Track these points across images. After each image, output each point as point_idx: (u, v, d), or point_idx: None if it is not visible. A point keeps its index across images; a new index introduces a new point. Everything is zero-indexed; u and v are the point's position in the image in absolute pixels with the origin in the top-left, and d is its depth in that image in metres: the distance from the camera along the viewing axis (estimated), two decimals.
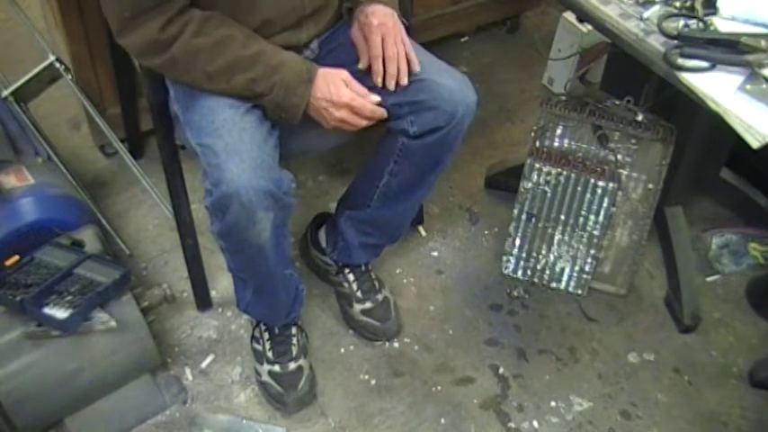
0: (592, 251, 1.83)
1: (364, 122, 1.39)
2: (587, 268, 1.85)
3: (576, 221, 1.82)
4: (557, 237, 1.84)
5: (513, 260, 1.88)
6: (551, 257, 1.86)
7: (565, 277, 1.87)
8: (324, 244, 1.82)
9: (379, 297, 1.79)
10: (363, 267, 1.80)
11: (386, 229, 1.72)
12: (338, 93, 1.34)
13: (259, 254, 1.41)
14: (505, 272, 1.89)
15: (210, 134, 1.33)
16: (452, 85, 1.45)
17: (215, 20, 1.30)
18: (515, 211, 1.85)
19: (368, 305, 1.77)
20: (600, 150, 1.77)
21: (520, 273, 1.89)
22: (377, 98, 1.39)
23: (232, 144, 1.31)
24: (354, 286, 1.78)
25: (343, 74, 1.37)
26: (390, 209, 1.64)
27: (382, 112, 1.41)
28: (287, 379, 1.63)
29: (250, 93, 1.33)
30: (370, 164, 1.62)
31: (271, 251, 1.41)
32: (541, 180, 1.80)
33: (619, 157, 1.77)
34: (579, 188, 1.79)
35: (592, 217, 1.80)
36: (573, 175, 1.78)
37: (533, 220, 1.84)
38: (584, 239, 1.82)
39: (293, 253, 1.89)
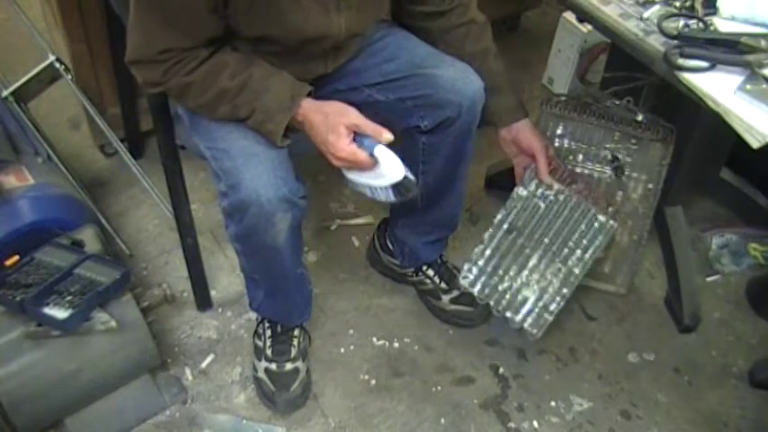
0: (564, 290, 1.63)
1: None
2: (552, 307, 1.63)
3: (559, 250, 1.64)
4: (532, 261, 1.64)
5: (475, 271, 1.64)
6: (518, 282, 1.64)
7: (524, 309, 1.63)
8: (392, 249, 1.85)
9: None
10: (439, 260, 1.82)
11: (441, 222, 1.74)
12: (336, 145, 1.26)
13: (275, 255, 1.43)
14: (463, 281, 1.64)
15: (223, 138, 1.33)
16: (453, 75, 1.44)
17: (214, 54, 1.29)
18: (498, 217, 1.65)
19: (455, 293, 1.80)
20: (600, 151, 1.77)
21: (477, 288, 1.64)
22: (389, 136, 1.28)
23: (248, 147, 1.31)
24: (437, 279, 1.81)
25: (350, 117, 1.28)
26: (437, 206, 1.66)
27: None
28: (281, 379, 1.63)
29: (234, 118, 1.31)
30: None
31: (286, 252, 1.43)
32: (539, 192, 1.64)
33: (619, 157, 1.77)
34: (576, 214, 1.65)
35: (578, 252, 1.64)
36: (574, 199, 1.64)
37: (513, 233, 1.64)
38: (561, 274, 1.63)
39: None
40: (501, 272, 1.64)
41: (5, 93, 1.76)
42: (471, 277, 1.64)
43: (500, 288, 1.63)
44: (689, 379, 1.76)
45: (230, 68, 1.28)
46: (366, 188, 1.34)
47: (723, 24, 1.32)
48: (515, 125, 1.55)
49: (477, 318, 1.81)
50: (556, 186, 1.64)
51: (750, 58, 1.23)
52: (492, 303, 1.63)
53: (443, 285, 1.81)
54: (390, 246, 1.84)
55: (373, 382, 1.71)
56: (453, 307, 1.81)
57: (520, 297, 1.63)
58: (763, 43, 1.23)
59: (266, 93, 1.28)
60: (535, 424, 1.66)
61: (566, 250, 1.64)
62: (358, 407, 1.67)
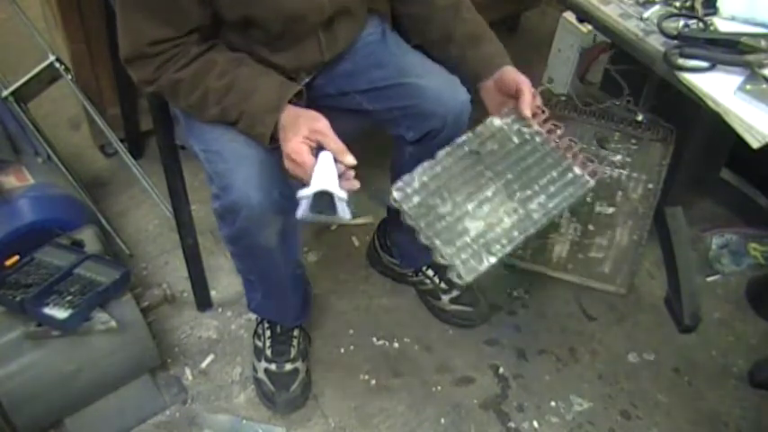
0: (515, 233, 1.29)
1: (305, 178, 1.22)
2: (495, 248, 1.27)
3: (521, 190, 1.33)
4: (486, 192, 1.32)
5: (415, 186, 1.29)
6: (462, 210, 1.29)
7: (460, 242, 1.27)
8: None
9: None
10: None
11: None
12: (288, 143, 1.21)
13: (269, 257, 1.42)
14: (395, 193, 1.28)
15: (217, 140, 1.33)
16: (438, 86, 1.43)
17: (206, 49, 1.28)
18: (462, 138, 1.35)
19: (455, 293, 1.80)
20: (599, 151, 1.77)
21: (410, 205, 1.28)
22: (351, 160, 1.20)
23: (239, 150, 1.31)
24: (436, 279, 1.81)
25: (318, 124, 1.22)
26: None
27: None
28: (281, 379, 1.63)
29: (224, 120, 1.30)
30: (393, 176, 1.63)
31: (279, 254, 1.42)
32: (515, 127, 1.37)
33: (619, 157, 1.77)
34: (549, 160, 1.37)
35: (542, 197, 1.33)
36: (552, 145, 1.37)
37: (474, 158, 1.34)
38: (516, 215, 1.31)
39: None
40: (446, 194, 1.30)
41: (5, 93, 1.76)
42: (409, 191, 1.29)
43: (439, 211, 1.29)
44: (689, 379, 1.76)
45: (219, 67, 1.27)
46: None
47: (723, 24, 1.32)
48: (499, 70, 1.41)
49: (477, 318, 1.81)
50: (535, 127, 1.38)
51: (750, 58, 1.23)
52: (422, 226, 1.28)
53: (443, 285, 1.81)
54: (390, 246, 1.84)
55: (373, 382, 1.71)
56: (453, 307, 1.81)
57: (460, 227, 1.28)
58: (763, 43, 1.23)
59: (254, 93, 1.27)
60: (535, 424, 1.66)
61: (528, 192, 1.34)
62: (358, 407, 1.67)
